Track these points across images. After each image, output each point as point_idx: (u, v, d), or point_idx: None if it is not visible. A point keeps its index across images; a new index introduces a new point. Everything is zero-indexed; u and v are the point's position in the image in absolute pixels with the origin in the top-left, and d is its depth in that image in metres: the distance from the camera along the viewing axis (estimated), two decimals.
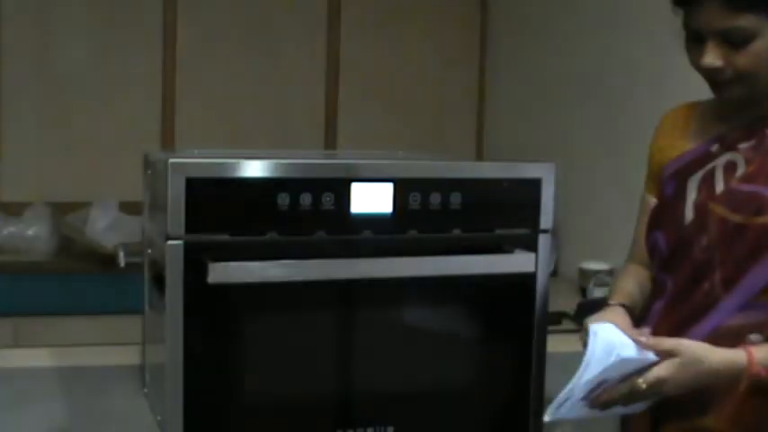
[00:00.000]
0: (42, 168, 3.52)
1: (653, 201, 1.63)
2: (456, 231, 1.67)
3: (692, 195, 1.53)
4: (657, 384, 1.40)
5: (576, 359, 1.85)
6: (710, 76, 1.47)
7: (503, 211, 1.71)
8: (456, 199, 1.67)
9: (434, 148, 3.70)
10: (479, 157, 3.91)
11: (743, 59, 1.42)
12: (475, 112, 3.96)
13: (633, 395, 1.42)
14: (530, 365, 1.73)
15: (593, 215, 3.00)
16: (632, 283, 1.65)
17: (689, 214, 1.52)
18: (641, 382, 1.39)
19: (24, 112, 3.51)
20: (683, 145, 1.59)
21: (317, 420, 1.66)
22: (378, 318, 1.69)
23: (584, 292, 2.75)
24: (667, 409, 1.51)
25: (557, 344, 1.80)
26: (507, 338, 1.74)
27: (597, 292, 2.60)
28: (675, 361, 1.40)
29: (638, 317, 1.59)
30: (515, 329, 1.73)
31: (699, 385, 1.42)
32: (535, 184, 1.70)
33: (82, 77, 3.55)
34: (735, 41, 1.42)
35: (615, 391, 1.43)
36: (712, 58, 1.43)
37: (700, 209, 1.51)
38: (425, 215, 1.65)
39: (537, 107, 3.52)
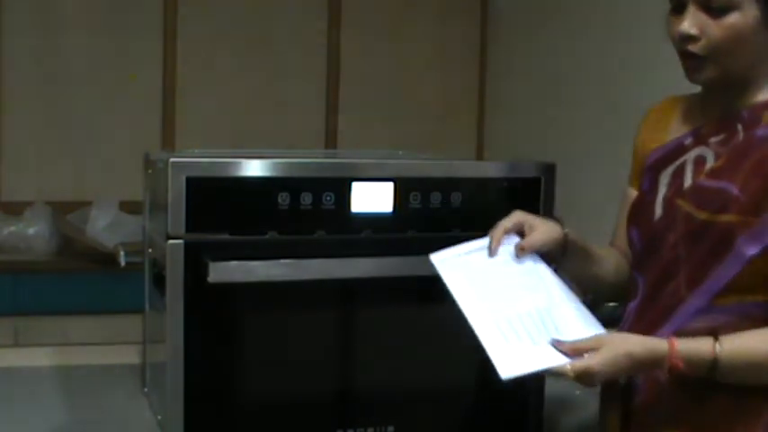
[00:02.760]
0: (42, 168, 3.51)
1: (633, 194, 1.59)
2: (456, 231, 1.67)
3: (662, 190, 1.50)
4: (585, 375, 1.34)
5: None
6: (684, 47, 1.43)
7: (503, 211, 1.70)
8: (456, 198, 1.67)
9: (435, 147, 3.70)
10: (479, 156, 3.91)
11: (718, 30, 1.40)
12: (475, 112, 3.95)
13: (560, 374, 1.36)
14: None
15: (593, 215, 2.99)
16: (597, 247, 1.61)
17: (658, 210, 1.48)
18: (569, 369, 1.34)
19: (25, 112, 3.50)
20: (662, 138, 1.55)
21: (317, 420, 1.65)
22: (378, 317, 1.68)
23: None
24: (636, 420, 1.47)
25: None
26: None
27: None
28: (600, 352, 1.34)
29: (616, 317, 1.55)
30: None
31: (621, 370, 1.36)
32: (535, 184, 1.70)
33: (82, 77, 3.55)
34: (714, 9, 1.40)
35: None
36: (689, 25, 1.41)
37: (668, 205, 1.47)
38: (426, 214, 1.65)
39: (537, 107, 3.51)
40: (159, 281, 1.59)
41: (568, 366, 1.34)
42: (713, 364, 1.35)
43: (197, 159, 1.56)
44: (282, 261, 1.55)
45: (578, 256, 1.55)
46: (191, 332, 1.53)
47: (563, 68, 3.31)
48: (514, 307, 1.42)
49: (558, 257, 1.52)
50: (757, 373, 1.38)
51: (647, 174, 1.54)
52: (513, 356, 1.35)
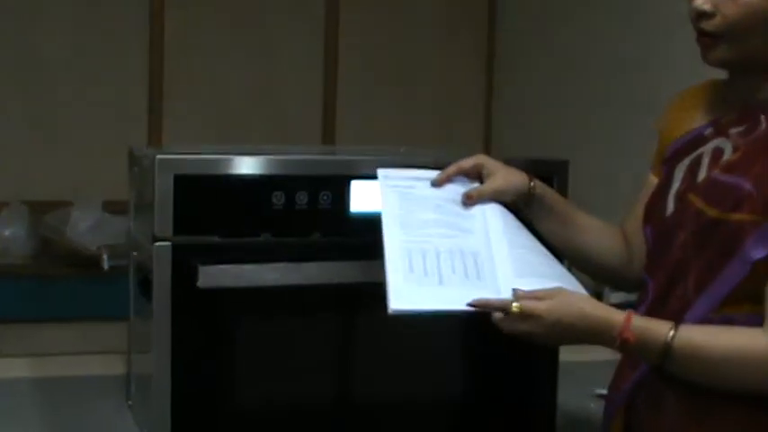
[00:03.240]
0: (20, 165, 3.48)
1: (654, 181, 1.54)
2: None
3: (675, 184, 1.45)
4: (529, 316, 1.31)
5: (585, 367, 1.85)
6: (698, 24, 1.40)
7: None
8: None
9: (440, 143, 3.69)
10: (487, 153, 3.89)
11: (732, 7, 1.37)
12: (482, 107, 3.95)
13: (504, 306, 1.33)
14: (535, 372, 1.69)
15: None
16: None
17: (670, 205, 1.44)
18: (516, 305, 1.32)
19: (2, 107, 3.48)
20: (686, 127, 1.50)
21: (312, 431, 1.63)
22: (376, 323, 1.61)
23: (599, 296, 2.70)
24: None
25: (564, 350, 1.73)
26: (511, 344, 1.67)
27: (614, 298, 2.53)
28: (553, 300, 1.33)
29: None
30: None
31: (566, 327, 1.33)
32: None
33: (62, 68, 3.57)
34: None
35: (490, 299, 1.35)
36: (702, 1, 1.39)
37: (680, 200, 1.42)
38: None
39: (545, 103, 3.54)
40: (145, 286, 1.58)
41: (515, 302, 1.32)
42: (664, 350, 1.30)
43: (185, 156, 1.55)
44: (276, 265, 1.54)
45: (548, 214, 1.54)
46: (178, 340, 1.52)
47: (572, 64, 3.38)
48: (436, 243, 1.42)
49: (522, 210, 1.52)
50: (708, 373, 1.32)
51: (664, 165, 1.49)
52: (410, 292, 1.36)
